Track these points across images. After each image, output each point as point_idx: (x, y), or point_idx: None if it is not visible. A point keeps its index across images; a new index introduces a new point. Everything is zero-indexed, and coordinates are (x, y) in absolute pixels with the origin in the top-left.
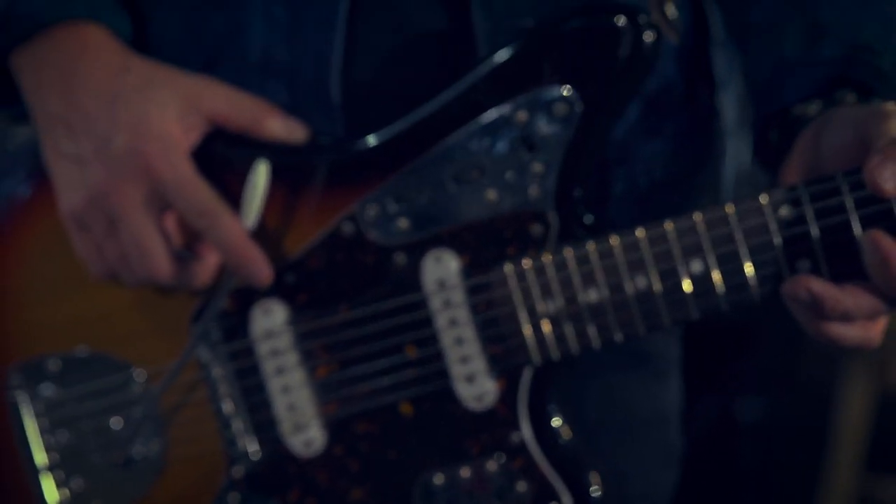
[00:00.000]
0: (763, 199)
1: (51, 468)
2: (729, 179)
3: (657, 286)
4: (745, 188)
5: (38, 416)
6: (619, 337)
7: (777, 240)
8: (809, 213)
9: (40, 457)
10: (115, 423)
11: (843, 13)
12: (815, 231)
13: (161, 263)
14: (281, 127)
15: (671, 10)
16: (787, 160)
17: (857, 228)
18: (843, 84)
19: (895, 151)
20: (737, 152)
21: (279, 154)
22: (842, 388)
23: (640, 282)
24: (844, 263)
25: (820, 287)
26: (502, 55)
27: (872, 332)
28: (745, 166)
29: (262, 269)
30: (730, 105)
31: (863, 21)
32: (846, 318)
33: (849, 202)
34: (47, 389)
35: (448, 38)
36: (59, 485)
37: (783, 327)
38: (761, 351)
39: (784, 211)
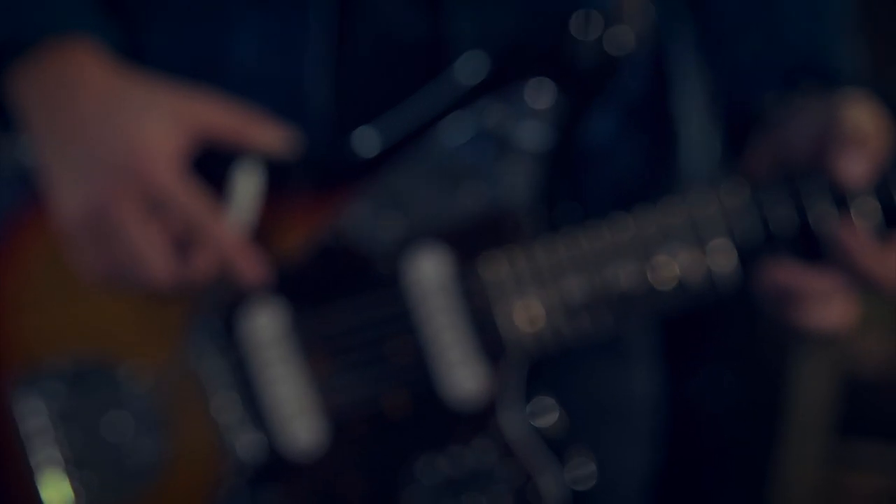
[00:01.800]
0: (726, 189)
1: (52, 469)
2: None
3: (636, 280)
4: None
5: (38, 416)
6: (603, 330)
7: (744, 230)
8: (769, 206)
9: (41, 458)
10: (114, 424)
11: (798, 21)
12: (779, 224)
13: (157, 273)
14: (270, 136)
15: (639, 20)
16: (751, 151)
17: (819, 220)
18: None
19: (854, 139)
20: (700, 158)
21: (268, 160)
22: (798, 367)
23: (620, 275)
24: (810, 251)
25: (791, 273)
26: (476, 61)
27: (841, 316)
28: (709, 170)
29: (254, 275)
30: (693, 112)
31: (815, 28)
32: (820, 297)
33: (810, 196)
34: (49, 391)
35: (432, 45)
36: (59, 485)
37: (738, 309)
38: (718, 332)
39: (739, 201)
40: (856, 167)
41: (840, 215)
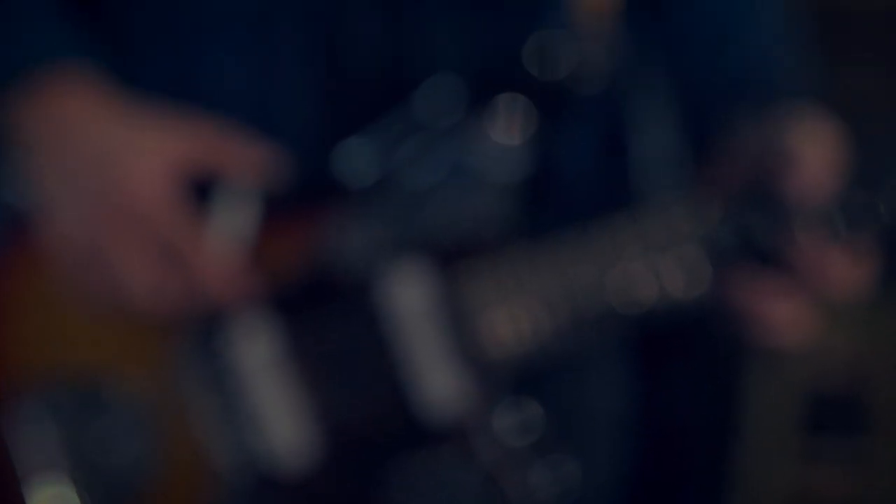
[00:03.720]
0: (695, 204)
1: (42, 479)
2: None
3: (614, 291)
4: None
5: (27, 428)
6: (585, 342)
7: (713, 243)
8: (732, 221)
9: (31, 468)
10: (104, 436)
11: (741, 33)
12: (741, 238)
13: (140, 302)
14: (257, 158)
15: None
16: (709, 169)
17: (771, 235)
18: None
19: (792, 159)
20: (663, 174)
21: (254, 181)
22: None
23: (600, 287)
24: (766, 264)
25: (750, 285)
26: (447, 85)
27: (800, 325)
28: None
29: (234, 299)
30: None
31: (757, 41)
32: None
33: (762, 213)
34: (38, 403)
35: (409, 66)
36: (50, 495)
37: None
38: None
39: (709, 216)
40: (797, 184)
41: (793, 229)
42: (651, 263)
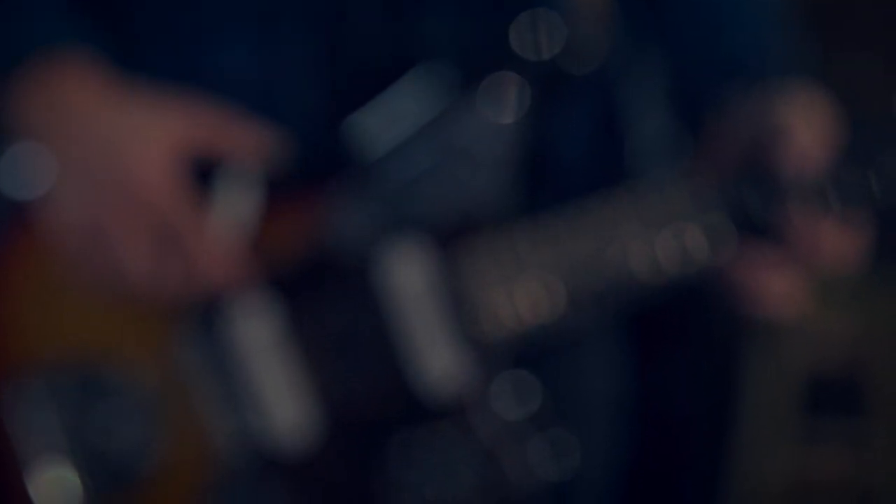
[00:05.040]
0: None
1: (45, 465)
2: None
3: (616, 267)
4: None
5: (29, 414)
6: (586, 319)
7: (710, 220)
8: (727, 198)
9: (33, 454)
10: (106, 421)
11: (734, 14)
12: (738, 214)
13: (140, 286)
14: (258, 141)
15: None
16: (703, 149)
17: (767, 211)
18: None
19: (785, 134)
20: (657, 155)
21: (256, 164)
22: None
23: (601, 263)
24: (762, 238)
25: (745, 259)
26: (442, 69)
27: (793, 297)
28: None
29: (234, 282)
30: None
31: (750, 20)
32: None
33: (757, 189)
34: (38, 390)
35: (409, 50)
36: (52, 480)
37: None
38: (680, 319)
39: (705, 193)
40: (790, 159)
41: (786, 203)
42: (648, 240)
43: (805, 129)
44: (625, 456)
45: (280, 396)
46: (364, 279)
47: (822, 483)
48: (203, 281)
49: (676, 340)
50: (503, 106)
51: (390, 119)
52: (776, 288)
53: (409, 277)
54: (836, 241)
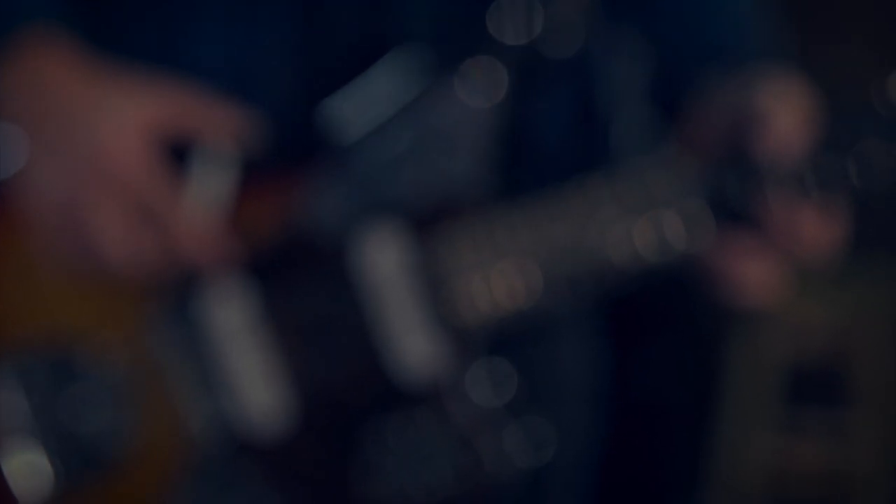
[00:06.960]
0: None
1: (17, 447)
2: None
3: (594, 252)
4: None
5: (1, 390)
6: (561, 305)
7: (691, 205)
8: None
9: (5, 437)
10: (78, 403)
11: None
12: (717, 200)
13: (114, 263)
14: (233, 122)
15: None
16: (683, 133)
17: (746, 196)
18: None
19: (762, 118)
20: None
21: (232, 145)
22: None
23: (578, 248)
24: (741, 224)
25: (724, 246)
26: (419, 53)
27: (772, 284)
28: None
29: (210, 261)
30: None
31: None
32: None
33: (736, 174)
34: (9, 372)
35: (386, 34)
36: (25, 463)
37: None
38: (661, 307)
39: (686, 176)
40: (768, 144)
41: (764, 189)
42: (627, 226)
43: (784, 114)
44: (602, 444)
45: (255, 380)
46: (340, 262)
47: (801, 472)
48: (178, 258)
49: (655, 328)
50: (481, 90)
51: (367, 102)
52: (755, 276)
53: (385, 261)
54: (815, 228)
